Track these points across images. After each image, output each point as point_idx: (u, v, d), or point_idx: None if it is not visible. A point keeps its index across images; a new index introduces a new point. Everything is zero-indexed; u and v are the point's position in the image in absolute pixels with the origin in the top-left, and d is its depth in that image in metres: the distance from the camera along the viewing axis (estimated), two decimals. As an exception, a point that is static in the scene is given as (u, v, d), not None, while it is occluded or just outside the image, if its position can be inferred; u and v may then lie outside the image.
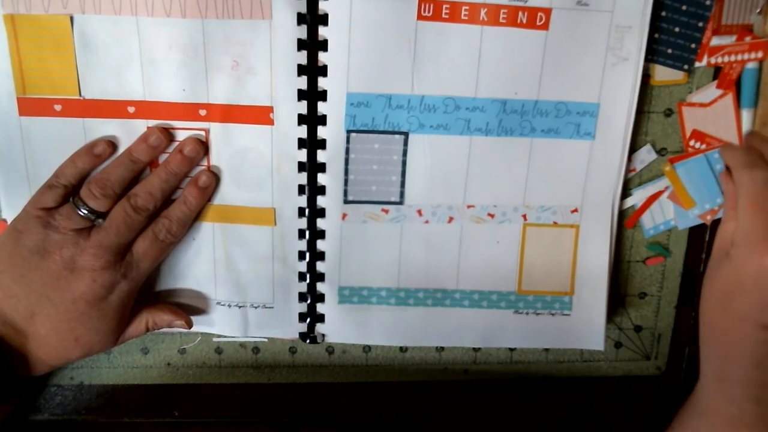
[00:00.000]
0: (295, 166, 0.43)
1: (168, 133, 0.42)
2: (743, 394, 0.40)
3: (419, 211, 0.44)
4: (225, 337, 0.48)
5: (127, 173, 0.41)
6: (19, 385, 0.41)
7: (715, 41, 0.42)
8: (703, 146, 0.44)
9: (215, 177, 0.42)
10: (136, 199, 0.40)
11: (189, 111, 0.41)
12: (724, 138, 0.44)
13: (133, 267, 0.41)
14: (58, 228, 0.39)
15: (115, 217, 0.39)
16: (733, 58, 0.42)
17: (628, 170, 0.45)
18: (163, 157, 0.42)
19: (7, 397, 0.40)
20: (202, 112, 0.41)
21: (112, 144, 0.42)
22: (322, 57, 0.41)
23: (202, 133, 0.42)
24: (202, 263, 0.44)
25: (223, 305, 0.45)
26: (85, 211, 0.39)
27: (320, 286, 0.45)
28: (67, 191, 0.40)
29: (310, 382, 0.49)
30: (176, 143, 0.42)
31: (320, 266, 0.45)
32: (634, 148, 0.44)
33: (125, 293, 0.41)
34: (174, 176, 0.41)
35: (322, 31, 0.40)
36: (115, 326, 0.41)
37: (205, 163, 0.43)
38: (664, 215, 0.46)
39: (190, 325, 0.44)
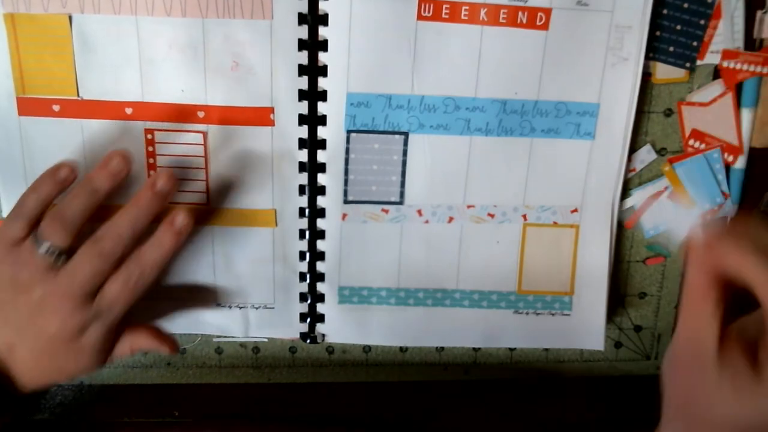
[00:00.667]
0: (296, 167, 0.43)
1: (129, 160, 0.38)
2: None
3: (419, 211, 0.44)
4: (225, 337, 0.48)
5: (88, 204, 0.37)
6: (11, 402, 0.40)
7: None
8: (703, 146, 0.44)
9: (192, 218, 0.39)
10: (102, 244, 0.37)
11: (187, 112, 0.41)
12: (724, 137, 0.44)
13: (104, 310, 0.38)
14: (27, 264, 0.36)
15: (80, 262, 0.37)
16: (746, 67, 0.42)
17: (628, 170, 0.45)
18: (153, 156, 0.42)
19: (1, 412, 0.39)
20: (200, 114, 0.41)
21: (75, 168, 0.38)
22: (323, 57, 0.41)
23: (200, 135, 0.42)
24: (202, 266, 0.44)
25: (224, 306, 0.45)
26: (46, 249, 0.36)
27: (320, 286, 0.45)
28: (31, 222, 0.37)
29: (310, 382, 0.49)
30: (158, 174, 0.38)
31: (320, 266, 0.45)
32: (634, 148, 0.44)
33: (100, 334, 0.38)
34: (145, 216, 0.38)
35: (323, 31, 0.40)
36: (96, 359, 0.40)
37: (203, 166, 0.42)
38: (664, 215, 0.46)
39: (174, 349, 0.42)
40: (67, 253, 0.37)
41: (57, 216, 0.37)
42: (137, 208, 0.38)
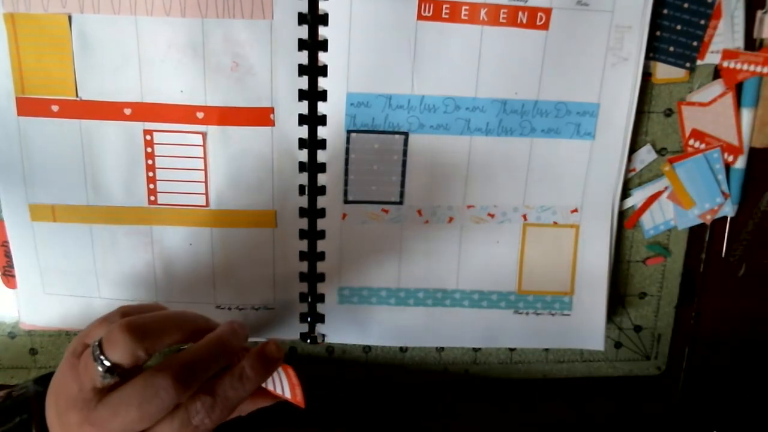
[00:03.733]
0: (296, 167, 0.43)
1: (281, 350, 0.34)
2: None
3: (419, 211, 0.44)
4: (225, 337, 0.47)
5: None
6: None
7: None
8: (703, 146, 0.44)
9: (282, 352, 0.34)
10: (162, 383, 0.29)
11: (186, 114, 0.41)
12: (724, 137, 0.44)
13: None
14: (79, 376, 0.30)
15: (125, 399, 0.29)
16: (746, 67, 0.42)
17: (628, 170, 0.45)
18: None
19: None
20: (200, 115, 0.41)
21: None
22: (323, 57, 0.40)
23: (200, 136, 0.42)
24: (201, 269, 0.44)
25: (223, 309, 0.45)
26: (103, 367, 0.29)
27: (320, 286, 0.45)
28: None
29: (310, 382, 0.49)
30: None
31: (320, 266, 0.45)
32: (634, 148, 0.44)
33: None
34: (223, 362, 0.32)
35: (323, 31, 0.40)
36: None
37: (202, 167, 0.42)
38: (664, 215, 0.46)
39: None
40: (122, 375, 0.30)
41: (139, 328, 0.29)
42: (222, 347, 0.31)
